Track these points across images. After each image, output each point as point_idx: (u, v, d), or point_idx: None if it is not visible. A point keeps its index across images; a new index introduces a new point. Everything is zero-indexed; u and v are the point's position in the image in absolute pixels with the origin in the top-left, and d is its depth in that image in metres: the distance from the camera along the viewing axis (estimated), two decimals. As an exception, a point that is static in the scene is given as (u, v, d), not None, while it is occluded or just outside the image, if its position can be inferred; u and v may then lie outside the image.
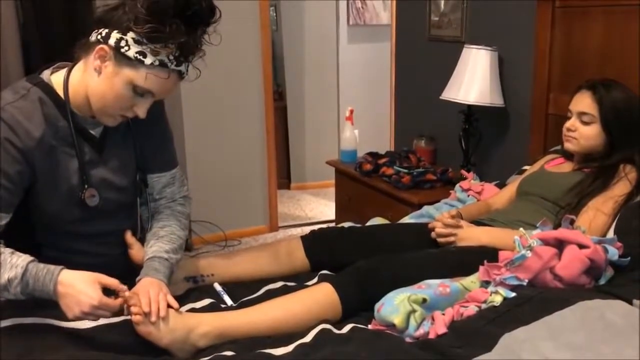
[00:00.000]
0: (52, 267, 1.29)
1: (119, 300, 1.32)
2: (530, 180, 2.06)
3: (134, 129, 1.57)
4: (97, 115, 1.43)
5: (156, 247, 1.52)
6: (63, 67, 1.48)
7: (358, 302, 1.51)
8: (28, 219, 1.44)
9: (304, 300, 1.49)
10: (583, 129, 1.88)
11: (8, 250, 1.31)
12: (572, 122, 1.91)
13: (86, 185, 1.46)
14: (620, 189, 1.78)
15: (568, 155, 2.02)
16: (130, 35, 1.31)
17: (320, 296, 1.50)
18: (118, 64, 1.34)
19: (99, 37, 1.35)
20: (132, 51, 1.32)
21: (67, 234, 1.49)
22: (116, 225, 1.58)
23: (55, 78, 1.45)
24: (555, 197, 1.89)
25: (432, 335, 1.36)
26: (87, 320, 1.32)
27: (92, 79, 1.38)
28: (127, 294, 1.34)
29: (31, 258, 1.31)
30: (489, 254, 1.59)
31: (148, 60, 1.32)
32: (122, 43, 1.31)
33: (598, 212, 1.75)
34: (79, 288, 1.28)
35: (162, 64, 1.34)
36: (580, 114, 1.88)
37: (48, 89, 1.42)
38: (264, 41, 3.90)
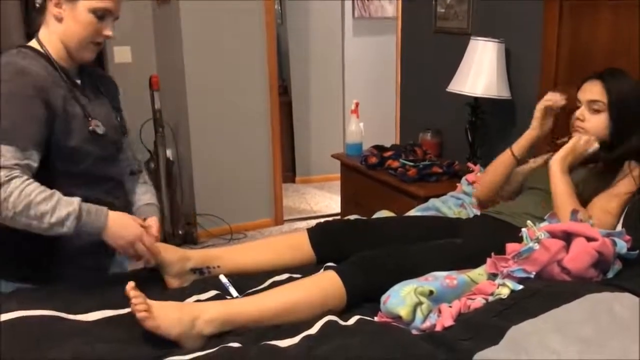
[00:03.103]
0: (100, 206, 1.48)
1: (153, 238, 1.56)
2: (535, 176, 2.04)
3: (103, 90, 1.73)
4: (75, 55, 1.57)
5: (150, 194, 1.82)
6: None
7: (363, 291, 1.51)
8: (46, 174, 1.49)
9: (308, 288, 1.49)
10: (592, 118, 1.85)
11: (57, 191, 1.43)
12: (582, 111, 1.87)
13: (90, 117, 1.58)
14: (625, 186, 1.76)
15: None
16: None
17: (325, 284, 1.50)
18: (70, 0, 1.51)
19: None
20: None
21: (83, 180, 1.58)
22: (117, 171, 1.72)
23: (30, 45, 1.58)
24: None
25: (438, 328, 1.36)
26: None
27: (59, 28, 1.54)
28: (131, 292, 1.34)
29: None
30: (496, 246, 1.59)
31: None
32: None
33: (603, 210, 1.73)
34: (126, 221, 1.51)
35: None
36: (590, 102, 1.85)
37: (30, 48, 1.56)
38: (269, 35, 3.89)
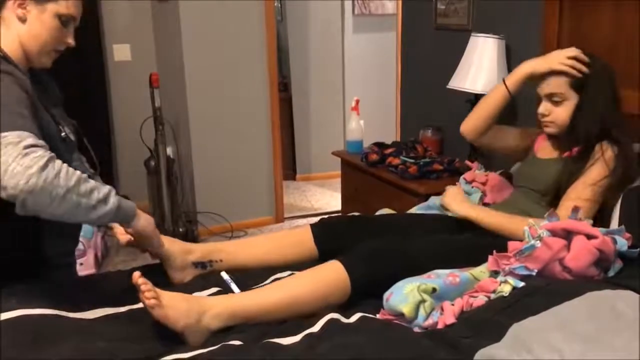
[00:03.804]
0: None
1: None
2: (522, 172, 2.03)
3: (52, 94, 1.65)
4: (35, 59, 1.50)
5: None
6: None
7: (366, 280, 1.51)
8: None
9: (313, 278, 1.50)
10: (556, 110, 1.83)
11: None
12: (544, 106, 1.85)
13: (59, 124, 1.53)
14: (597, 172, 1.74)
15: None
16: None
17: (329, 273, 1.51)
18: (39, 2, 1.44)
19: None
20: None
21: None
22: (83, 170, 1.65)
23: None
24: (540, 187, 1.87)
25: (440, 326, 1.36)
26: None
27: (20, 29, 1.46)
28: (140, 280, 1.34)
29: None
30: (498, 244, 1.58)
31: None
32: None
33: (578, 200, 1.72)
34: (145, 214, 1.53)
35: None
36: (549, 96, 1.83)
37: None
38: (269, 32, 3.88)
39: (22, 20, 1.45)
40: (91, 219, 1.33)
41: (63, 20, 1.48)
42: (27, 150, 1.23)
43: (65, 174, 1.26)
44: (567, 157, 1.84)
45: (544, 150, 1.98)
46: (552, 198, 1.82)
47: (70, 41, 1.53)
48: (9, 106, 1.30)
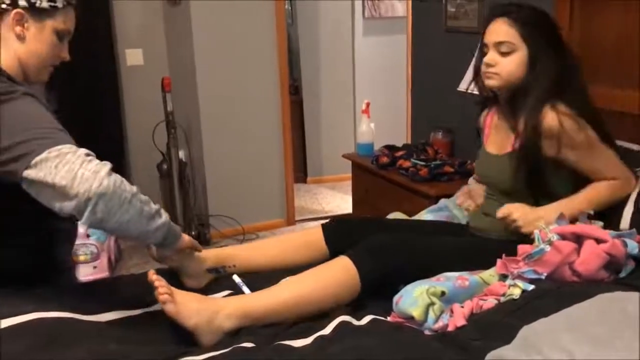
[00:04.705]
0: None
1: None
2: (480, 170, 1.94)
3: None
4: (33, 76, 1.48)
5: None
6: None
7: (376, 275, 1.51)
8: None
9: (322, 274, 1.51)
10: (503, 61, 1.67)
11: None
12: (491, 56, 1.68)
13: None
14: (574, 135, 1.60)
15: (488, 101, 1.86)
16: None
17: (338, 269, 1.51)
18: (38, 19, 1.42)
19: (2, 5, 1.39)
20: (45, 2, 1.41)
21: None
22: None
23: None
24: (511, 189, 1.73)
25: (451, 328, 1.36)
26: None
27: (18, 47, 1.43)
28: (154, 277, 1.36)
29: None
30: (507, 248, 1.58)
31: (59, 4, 1.43)
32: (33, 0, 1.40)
33: (606, 169, 1.64)
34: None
35: (69, 2, 1.46)
36: (498, 45, 1.67)
37: None
38: (280, 35, 3.90)
39: (21, 38, 1.42)
40: (149, 229, 1.34)
41: (60, 35, 1.47)
42: (89, 157, 1.25)
43: (125, 181, 1.29)
44: (512, 151, 1.71)
45: (493, 141, 1.85)
46: (527, 195, 1.69)
47: (65, 55, 1.51)
48: (47, 123, 1.32)
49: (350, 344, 1.28)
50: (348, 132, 5.17)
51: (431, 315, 1.40)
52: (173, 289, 1.38)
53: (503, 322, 1.28)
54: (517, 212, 1.64)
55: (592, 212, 1.62)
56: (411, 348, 1.26)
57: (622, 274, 1.49)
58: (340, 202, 4.71)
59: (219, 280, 1.65)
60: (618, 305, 1.28)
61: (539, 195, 1.69)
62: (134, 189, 1.29)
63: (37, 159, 1.22)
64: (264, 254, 1.76)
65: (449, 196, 2.36)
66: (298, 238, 1.83)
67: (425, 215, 2.20)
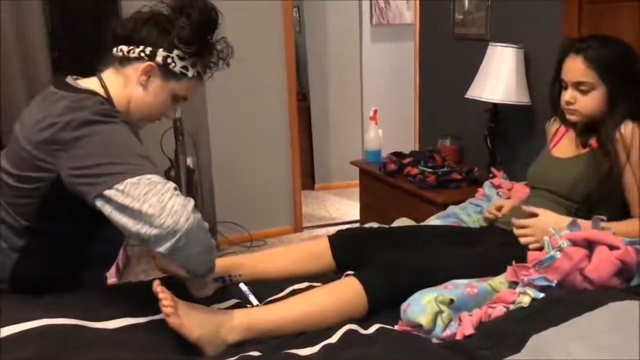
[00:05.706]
0: None
1: None
2: (537, 172, 1.94)
3: None
4: (134, 121, 1.52)
5: None
6: (78, 79, 1.50)
7: (384, 295, 1.51)
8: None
9: (330, 294, 1.50)
10: (583, 99, 1.74)
11: None
12: (571, 94, 1.75)
13: None
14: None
15: (568, 124, 1.88)
16: (175, 53, 1.45)
17: (346, 290, 1.51)
18: (164, 78, 1.47)
19: (142, 54, 1.44)
20: (178, 67, 1.46)
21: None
22: None
23: (88, 87, 1.47)
24: (561, 190, 1.79)
25: (459, 336, 1.35)
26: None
27: (136, 91, 1.48)
28: (158, 288, 1.36)
29: None
30: (517, 254, 1.57)
31: (190, 74, 1.48)
32: (169, 60, 1.45)
33: None
34: None
35: (199, 75, 1.51)
36: (577, 84, 1.74)
37: (104, 99, 1.45)
38: (288, 42, 3.91)
39: (142, 85, 1.47)
40: (208, 260, 1.41)
41: (175, 98, 1.51)
42: (176, 192, 1.29)
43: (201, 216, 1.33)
44: (587, 152, 1.77)
45: (562, 148, 1.90)
46: (580, 200, 1.74)
47: (172, 115, 1.60)
48: (139, 151, 1.36)
49: (358, 352, 1.28)
50: (356, 139, 5.17)
51: (439, 324, 1.39)
52: (177, 300, 1.37)
53: (512, 331, 1.28)
54: (532, 229, 1.69)
55: (604, 218, 1.61)
56: (419, 357, 1.25)
57: (634, 282, 1.47)
58: (348, 209, 4.70)
59: (225, 289, 1.65)
60: (629, 314, 1.27)
61: (593, 200, 1.71)
62: (206, 225, 1.36)
63: (128, 181, 1.26)
64: (269, 264, 1.76)
65: (456, 203, 2.36)
66: (304, 249, 1.82)
67: (433, 221, 2.19)
